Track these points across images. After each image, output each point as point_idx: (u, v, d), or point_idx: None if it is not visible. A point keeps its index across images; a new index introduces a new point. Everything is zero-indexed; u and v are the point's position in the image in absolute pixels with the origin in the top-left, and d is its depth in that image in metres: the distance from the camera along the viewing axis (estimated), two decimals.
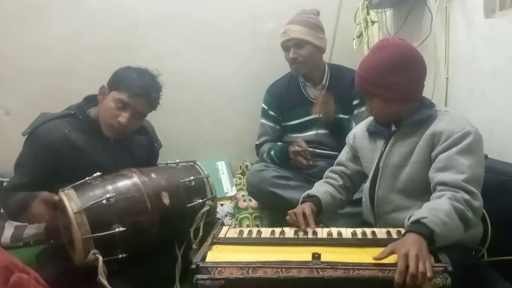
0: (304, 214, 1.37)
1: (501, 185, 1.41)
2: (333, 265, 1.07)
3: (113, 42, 2.43)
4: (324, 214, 1.52)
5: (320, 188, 1.57)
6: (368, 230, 1.31)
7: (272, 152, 2.14)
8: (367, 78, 1.38)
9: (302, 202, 1.51)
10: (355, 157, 1.61)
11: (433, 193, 1.27)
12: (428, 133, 1.34)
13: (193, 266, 1.10)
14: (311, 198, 1.51)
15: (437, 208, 1.16)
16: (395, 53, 1.35)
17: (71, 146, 1.60)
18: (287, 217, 1.41)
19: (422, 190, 1.33)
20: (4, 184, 1.78)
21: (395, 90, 1.35)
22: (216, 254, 1.19)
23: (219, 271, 1.09)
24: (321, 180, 1.66)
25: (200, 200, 1.61)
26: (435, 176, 1.28)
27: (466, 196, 1.20)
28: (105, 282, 1.30)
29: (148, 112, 1.70)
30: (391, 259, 1.08)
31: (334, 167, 1.67)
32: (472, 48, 1.74)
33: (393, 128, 1.46)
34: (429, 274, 1.00)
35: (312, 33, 2.10)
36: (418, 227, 1.11)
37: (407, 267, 1.01)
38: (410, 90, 1.37)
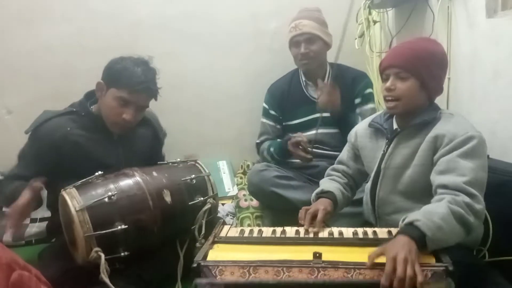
0: (315, 217, 1.36)
1: (502, 185, 1.40)
2: (334, 264, 1.07)
3: (115, 42, 2.42)
4: (337, 211, 1.50)
5: (331, 184, 1.55)
6: (369, 230, 1.31)
7: (272, 149, 2.14)
8: (421, 56, 1.34)
9: (317, 198, 1.50)
10: (356, 156, 1.60)
11: (434, 196, 1.25)
12: (431, 135, 1.33)
13: (195, 265, 1.11)
14: (325, 194, 1.50)
15: (433, 212, 1.14)
16: (442, 51, 1.41)
17: (74, 144, 1.61)
18: (300, 210, 1.40)
19: (424, 193, 1.31)
20: None
21: (436, 82, 1.38)
22: (217, 253, 1.19)
23: (220, 270, 1.10)
24: (325, 178, 1.63)
25: (202, 198, 1.62)
26: (436, 179, 1.27)
27: (467, 199, 1.17)
28: (106, 280, 1.31)
29: (149, 101, 1.70)
30: None
31: (335, 166, 1.66)
32: (474, 48, 1.73)
33: (395, 126, 1.45)
34: (419, 278, 0.99)
35: (322, 29, 2.10)
36: (410, 229, 1.10)
37: (394, 270, 1.00)
38: (441, 89, 1.42)
